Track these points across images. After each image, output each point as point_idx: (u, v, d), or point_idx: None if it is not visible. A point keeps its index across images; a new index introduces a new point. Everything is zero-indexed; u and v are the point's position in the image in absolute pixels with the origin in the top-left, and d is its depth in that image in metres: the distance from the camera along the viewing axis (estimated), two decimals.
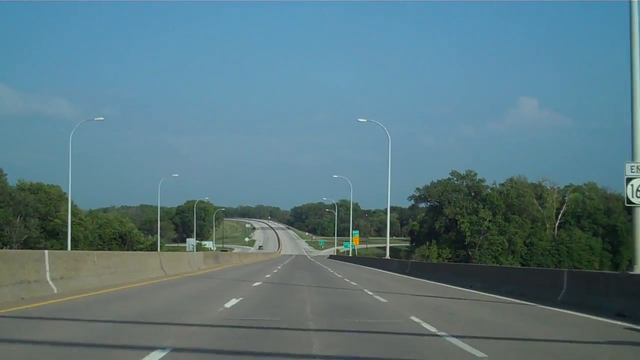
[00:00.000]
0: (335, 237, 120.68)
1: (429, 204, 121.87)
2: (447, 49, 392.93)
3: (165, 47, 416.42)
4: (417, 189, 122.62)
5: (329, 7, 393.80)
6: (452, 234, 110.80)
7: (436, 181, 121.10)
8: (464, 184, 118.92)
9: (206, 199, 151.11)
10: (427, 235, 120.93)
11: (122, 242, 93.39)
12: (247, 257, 72.42)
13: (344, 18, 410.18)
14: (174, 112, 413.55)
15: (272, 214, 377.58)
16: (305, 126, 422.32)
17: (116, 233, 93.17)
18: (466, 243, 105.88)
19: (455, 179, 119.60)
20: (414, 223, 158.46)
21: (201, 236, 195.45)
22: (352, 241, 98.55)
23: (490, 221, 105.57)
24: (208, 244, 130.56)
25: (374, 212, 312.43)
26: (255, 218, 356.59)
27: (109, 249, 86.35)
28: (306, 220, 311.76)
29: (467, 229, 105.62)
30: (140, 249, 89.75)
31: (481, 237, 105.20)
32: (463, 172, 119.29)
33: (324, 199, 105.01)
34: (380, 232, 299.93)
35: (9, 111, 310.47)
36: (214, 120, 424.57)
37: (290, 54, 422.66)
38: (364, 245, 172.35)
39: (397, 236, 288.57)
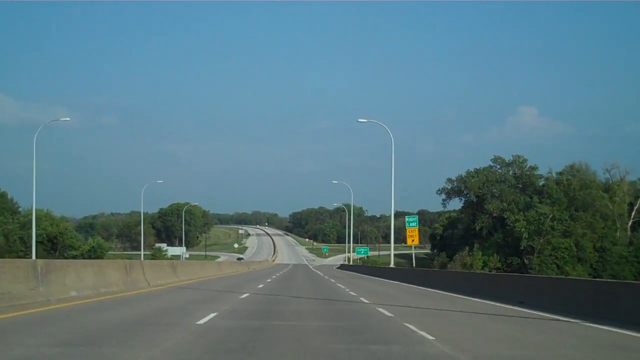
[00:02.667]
0: (351, 243, 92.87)
1: (464, 198, 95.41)
2: (448, 53, 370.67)
3: (163, 54, 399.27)
4: (449, 179, 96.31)
5: (330, 12, 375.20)
6: (499, 236, 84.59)
7: (473, 170, 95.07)
8: (511, 172, 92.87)
9: (161, 180, 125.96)
10: (463, 238, 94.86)
11: (52, 246, 66.94)
12: (198, 270, 37.53)
13: (344, 23, 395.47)
14: (171, 119, 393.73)
15: (270, 220, 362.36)
16: (305, 133, 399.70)
17: (43, 235, 66.14)
18: (521, 248, 79.59)
19: (498, 166, 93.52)
20: (436, 225, 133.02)
21: (186, 242, 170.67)
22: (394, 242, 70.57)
23: (553, 219, 79.42)
24: (175, 250, 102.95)
25: (380, 217, 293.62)
26: (252, 225, 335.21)
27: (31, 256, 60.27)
28: (306, 226, 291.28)
29: (522, 230, 79.34)
30: (74, 257, 63.71)
31: (542, 240, 78.97)
32: (509, 158, 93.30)
33: (335, 181, 78.46)
34: (388, 238, 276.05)
35: (6, 120, 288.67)
36: (210, 127, 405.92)
37: (289, 60, 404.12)
38: (377, 253, 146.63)
39: (405, 242, 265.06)
